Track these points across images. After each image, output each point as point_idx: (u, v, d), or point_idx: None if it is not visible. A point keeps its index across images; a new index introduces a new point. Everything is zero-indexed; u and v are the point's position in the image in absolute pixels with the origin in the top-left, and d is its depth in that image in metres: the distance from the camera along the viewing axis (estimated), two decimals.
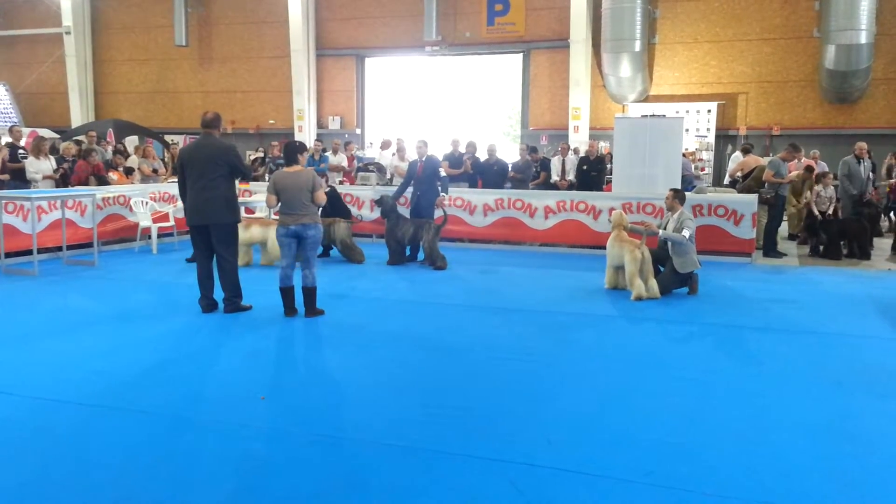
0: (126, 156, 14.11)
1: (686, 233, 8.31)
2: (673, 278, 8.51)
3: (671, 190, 8.86)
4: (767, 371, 5.69)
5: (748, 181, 12.35)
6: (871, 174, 13.20)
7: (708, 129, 18.89)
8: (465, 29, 20.97)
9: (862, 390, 5.19)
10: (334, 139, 17.03)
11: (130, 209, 11.68)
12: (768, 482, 3.74)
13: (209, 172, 7.07)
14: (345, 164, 15.36)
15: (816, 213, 11.75)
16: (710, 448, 4.15)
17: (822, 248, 11.60)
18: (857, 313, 7.64)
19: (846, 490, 3.68)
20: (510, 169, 13.88)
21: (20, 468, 3.84)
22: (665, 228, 8.61)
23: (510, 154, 14.88)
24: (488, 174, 13.52)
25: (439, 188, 10.62)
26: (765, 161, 12.72)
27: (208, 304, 7.33)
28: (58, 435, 4.28)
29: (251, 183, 12.73)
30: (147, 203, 11.68)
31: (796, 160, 12.44)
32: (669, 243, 8.49)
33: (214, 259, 7.32)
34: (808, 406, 4.86)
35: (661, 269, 8.70)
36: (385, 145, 15.87)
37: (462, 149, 13.82)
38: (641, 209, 11.19)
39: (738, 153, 15.37)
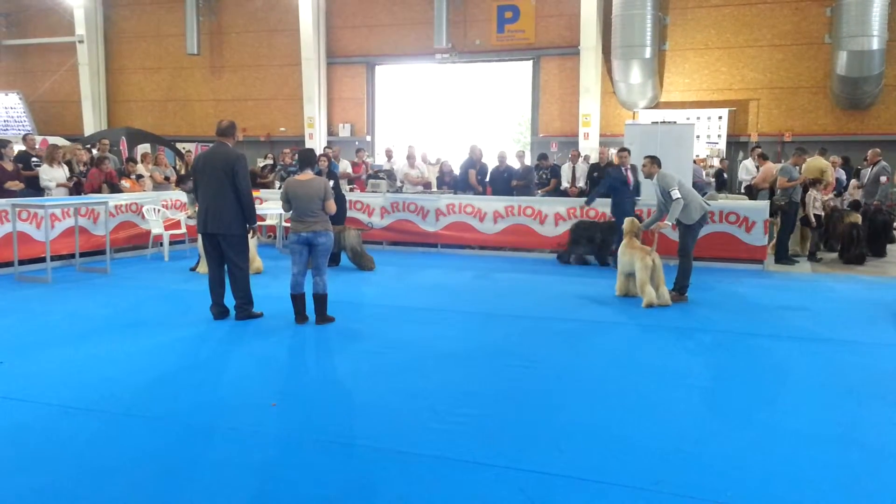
0: (135, 163, 14.20)
1: (675, 193, 8.25)
2: (688, 237, 8.51)
3: (647, 157, 8.81)
4: (779, 379, 5.66)
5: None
6: (881, 179, 13.17)
7: (719, 136, 18.84)
8: (476, 36, 21.02)
9: (875, 399, 5.15)
10: (334, 146, 17.06)
11: (143, 216, 11.76)
12: (779, 491, 3.72)
13: (220, 181, 7.11)
14: (349, 171, 15.39)
15: (812, 218, 11.78)
16: (721, 456, 4.13)
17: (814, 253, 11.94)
18: (870, 321, 7.60)
19: (858, 500, 3.65)
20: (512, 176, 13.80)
21: (34, 474, 3.87)
22: (656, 201, 8.68)
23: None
24: (499, 181, 13.53)
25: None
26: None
27: (219, 312, 7.37)
28: (71, 441, 4.30)
29: (261, 190, 12.82)
30: (159, 210, 11.76)
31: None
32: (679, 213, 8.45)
33: (226, 267, 7.37)
34: (820, 414, 4.83)
35: None
36: (388, 154, 15.94)
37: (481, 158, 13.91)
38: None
39: (748, 160, 15.30)
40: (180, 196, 12.40)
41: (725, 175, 16.35)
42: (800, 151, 11.76)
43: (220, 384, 5.44)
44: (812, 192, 11.90)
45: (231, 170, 7.09)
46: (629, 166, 10.56)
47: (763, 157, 13.69)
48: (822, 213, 12.07)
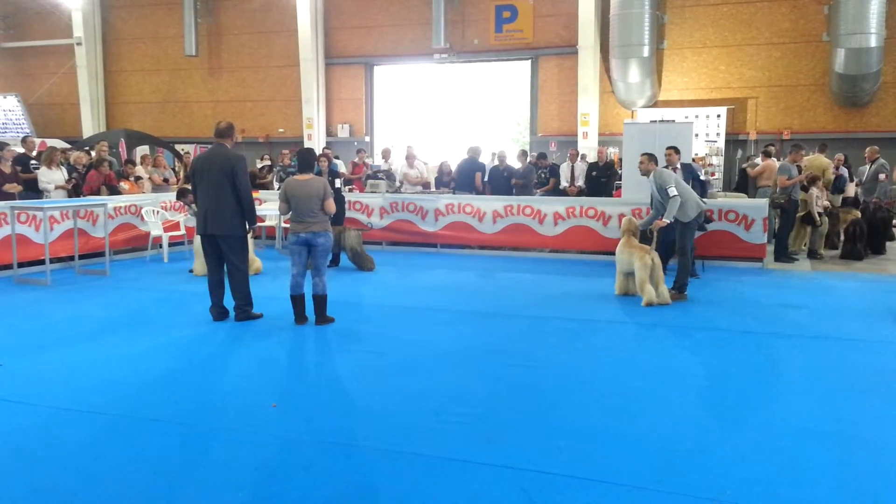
0: (134, 164, 14.20)
1: (671, 190, 8.27)
2: (686, 235, 8.52)
3: (644, 154, 8.82)
4: (779, 376, 5.67)
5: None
6: (880, 177, 13.20)
7: (718, 134, 18.84)
8: (474, 36, 21.01)
9: (875, 395, 5.15)
10: (324, 148, 17.04)
11: (142, 218, 11.75)
12: (780, 489, 3.72)
13: (219, 182, 7.11)
14: (343, 170, 15.37)
15: (815, 215, 11.80)
16: (721, 455, 4.13)
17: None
18: (870, 318, 7.60)
19: (859, 497, 3.65)
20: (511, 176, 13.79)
21: (34, 476, 3.86)
22: (651, 198, 8.67)
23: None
24: (499, 181, 13.52)
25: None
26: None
27: (219, 313, 7.36)
28: (71, 443, 4.30)
29: (261, 191, 12.80)
30: (158, 212, 11.75)
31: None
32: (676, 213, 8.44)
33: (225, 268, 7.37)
34: (821, 412, 4.83)
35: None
36: (385, 154, 15.92)
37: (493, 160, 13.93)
38: None
39: (758, 159, 15.32)
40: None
41: None
42: (796, 148, 11.77)
43: (220, 385, 5.43)
44: (814, 191, 11.91)
45: (231, 171, 7.10)
46: (678, 166, 9.77)
47: (767, 155, 13.69)
48: (824, 211, 12.08)
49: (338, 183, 10.86)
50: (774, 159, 13.48)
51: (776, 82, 18.60)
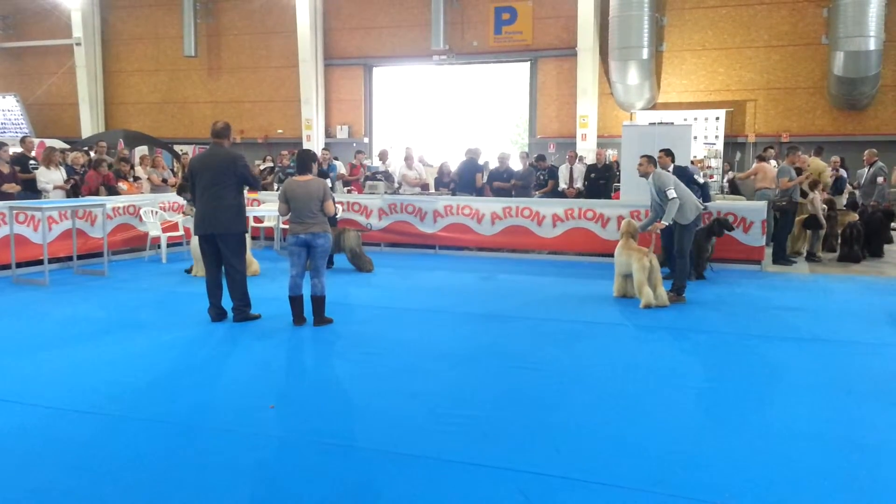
0: (132, 165, 14.20)
1: (671, 193, 8.28)
2: (684, 237, 8.51)
3: (643, 156, 8.83)
4: (777, 380, 5.66)
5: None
6: (878, 180, 13.23)
7: (716, 137, 18.86)
8: (473, 38, 21.04)
9: (873, 399, 5.15)
10: (322, 149, 17.04)
11: (140, 219, 11.74)
12: (779, 491, 3.72)
13: (218, 182, 7.12)
14: (342, 171, 15.38)
15: (822, 218, 11.81)
16: (720, 457, 4.13)
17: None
18: (868, 321, 7.60)
19: (856, 499, 3.65)
20: (511, 177, 13.79)
21: (31, 477, 3.86)
22: (651, 201, 8.68)
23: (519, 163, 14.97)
24: (498, 182, 13.53)
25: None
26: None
27: (217, 314, 7.36)
28: (68, 444, 4.29)
29: (261, 192, 12.80)
30: (157, 213, 11.74)
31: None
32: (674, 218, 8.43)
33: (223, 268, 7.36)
34: (819, 415, 4.83)
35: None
36: (383, 156, 15.91)
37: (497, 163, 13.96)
38: None
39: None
40: (178, 198, 12.38)
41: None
42: (793, 150, 11.79)
43: (219, 386, 5.43)
44: (816, 194, 11.91)
45: (230, 170, 7.13)
46: (670, 169, 9.46)
47: (761, 158, 13.70)
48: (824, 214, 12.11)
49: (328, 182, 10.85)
50: (771, 162, 13.48)
51: (775, 85, 18.64)
